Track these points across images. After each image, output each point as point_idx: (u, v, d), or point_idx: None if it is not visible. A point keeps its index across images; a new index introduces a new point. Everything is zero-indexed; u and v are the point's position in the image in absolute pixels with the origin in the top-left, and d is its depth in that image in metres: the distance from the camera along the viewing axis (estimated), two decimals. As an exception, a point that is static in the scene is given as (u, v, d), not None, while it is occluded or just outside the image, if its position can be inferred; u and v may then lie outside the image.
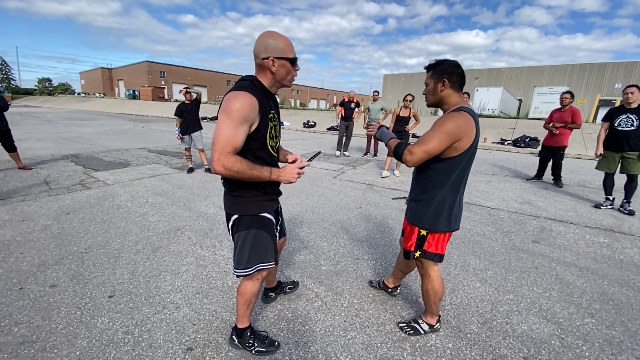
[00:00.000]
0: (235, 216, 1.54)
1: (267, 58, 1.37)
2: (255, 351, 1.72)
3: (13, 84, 66.43)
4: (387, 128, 1.82)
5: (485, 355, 1.78)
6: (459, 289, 2.42)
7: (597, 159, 4.66)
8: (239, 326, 1.74)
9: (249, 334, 1.74)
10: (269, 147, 1.48)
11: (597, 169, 4.65)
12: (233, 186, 1.51)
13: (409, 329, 1.91)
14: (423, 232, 1.72)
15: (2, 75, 66.29)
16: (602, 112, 21.39)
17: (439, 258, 1.76)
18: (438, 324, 1.94)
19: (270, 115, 1.45)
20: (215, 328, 1.91)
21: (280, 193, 1.67)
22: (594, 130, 12.33)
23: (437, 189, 1.62)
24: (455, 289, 2.42)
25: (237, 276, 1.59)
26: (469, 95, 6.97)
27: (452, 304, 2.24)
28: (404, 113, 6.25)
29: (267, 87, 1.45)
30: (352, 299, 2.27)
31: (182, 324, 1.93)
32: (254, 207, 1.52)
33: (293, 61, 1.43)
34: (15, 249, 2.77)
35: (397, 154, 1.58)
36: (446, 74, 1.57)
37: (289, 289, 2.30)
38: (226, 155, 1.29)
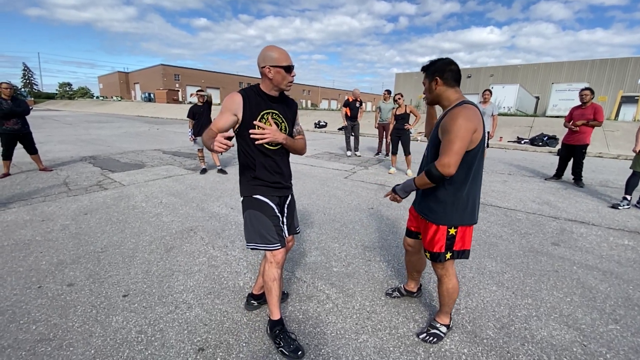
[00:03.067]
0: (242, 198, 1.82)
1: (265, 67, 1.62)
2: (279, 350, 1.74)
3: (35, 89, 69.05)
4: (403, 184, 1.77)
5: (503, 361, 1.71)
6: (474, 293, 2.35)
7: (637, 155, 4.38)
8: (270, 318, 1.84)
9: (277, 331, 1.79)
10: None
11: (632, 169, 4.44)
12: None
13: (431, 338, 1.83)
14: (452, 232, 1.68)
15: (25, 81, 68.97)
16: (625, 108, 20.61)
17: (467, 254, 1.76)
18: (451, 321, 1.92)
19: (265, 112, 1.68)
20: (227, 329, 1.92)
21: (280, 183, 1.80)
22: (616, 127, 11.87)
23: (462, 185, 1.62)
24: (470, 292, 2.35)
25: (251, 249, 1.86)
26: (490, 92, 6.84)
27: (467, 307, 2.17)
28: (399, 111, 6.39)
29: (266, 91, 1.69)
30: (364, 301, 2.23)
31: (194, 324, 1.94)
32: (247, 189, 1.77)
33: (287, 69, 1.64)
34: (35, 248, 2.86)
35: (434, 177, 1.53)
36: (438, 72, 1.65)
37: (259, 302, 2.15)
38: (208, 129, 1.66)
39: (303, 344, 1.80)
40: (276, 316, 1.82)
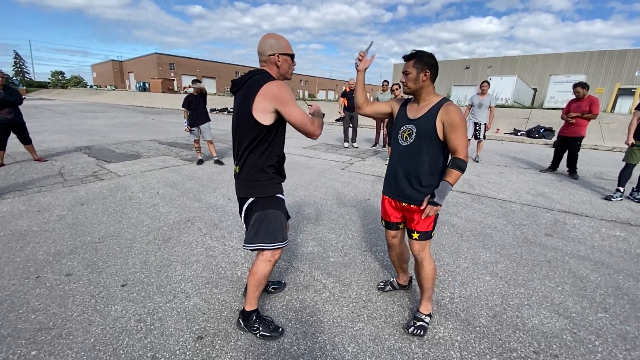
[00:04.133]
0: (250, 199, 1.70)
1: (274, 54, 1.60)
2: (259, 335, 1.78)
3: (27, 78, 67.75)
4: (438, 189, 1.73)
5: (495, 348, 1.76)
6: (468, 282, 2.39)
7: (629, 148, 4.45)
8: (247, 309, 1.82)
9: (254, 317, 1.81)
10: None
11: (624, 161, 4.49)
12: (249, 172, 1.65)
13: (418, 331, 1.85)
14: (438, 209, 1.79)
15: (16, 69, 67.58)
16: (621, 101, 20.66)
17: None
18: (431, 307, 1.99)
19: None
20: (225, 317, 1.94)
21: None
22: (612, 120, 11.93)
23: (444, 170, 1.78)
24: (464, 282, 2.40)
25: (251, 250, 1.78)
26: (488, 84, 6.83)
27: (461, 296, 2.22)
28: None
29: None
30: (360, 290, 2.27)
31: (192, 313, 1.97)
32: (270, 189, 1.69)
33: (293, 57, 1.68)
34: (32, 239, 2.86)
35: (463, 171, 1.68)
36: (428, 66, 1.69)
37: (272, 288, 2.20)
38: (312, 124, 1.62)
39: (300, 332, 1.83)
40: (254, 306, 1.81)
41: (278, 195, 1.72)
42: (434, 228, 1.86)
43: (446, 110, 1.66)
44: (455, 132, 1.65)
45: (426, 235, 1.83)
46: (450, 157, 1.72)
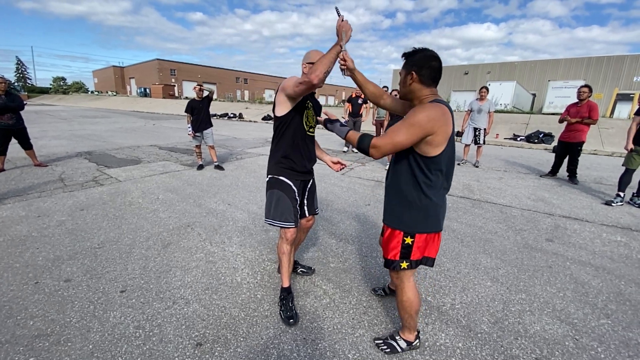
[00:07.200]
0: (267, 177, 2.04)
1: (302, 64, 1.91)
2: (279, 312, 2.02)
3: (29, 83, 68.02)
4: (342, 124, 1.72)
5: (497, 355, 1.74)
6: (469, 288, 2.38)
7: (628, 153, 4.49)
8: (282, 285, 2.12)
9: (282, 297, 2.08)
10: (304, 123, 1.97)
11: (624, 166, 4.51)
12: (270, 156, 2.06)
13: (384, 347, 1.74)
14: (408, 241, 1.52)
15: (18, 75, 67.91)
16: (620, 106, 20.73)
17: (432, 262, 1.61)
18: (417, 340, 1.75)
19: (306, 104, 1.95)
20: (224, 324, 1.93)
21: (304, 169, 2.01)
22: (611, 125, 11.97)
23: (427, 190, 1.46)
24: (465, 287, 2.38)
25: (269, 225, 2.13)
26: (487, 89, 6.85)
27: (462, 302, 2.20)
28: None
29: None
30: (361, 296, 2.25)
31: (191, 320, 1.95)
32: (275, 170, 2.00)
33: None
34: (31, 244, 2.85)
35: (361, 148, 1.44)
36: (416, 66, 1.43)
37: (301, 270, 2.49)
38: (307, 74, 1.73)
39: (300, 338, 1.82)
40: (285, 284, 2.11)
41: (282, 178, 1.97)
42: (402, 259, 1.55)
43: (412, 109, 1.43)
44: (401, 120, 1.39)
45: (388, 264, 1.60)
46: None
